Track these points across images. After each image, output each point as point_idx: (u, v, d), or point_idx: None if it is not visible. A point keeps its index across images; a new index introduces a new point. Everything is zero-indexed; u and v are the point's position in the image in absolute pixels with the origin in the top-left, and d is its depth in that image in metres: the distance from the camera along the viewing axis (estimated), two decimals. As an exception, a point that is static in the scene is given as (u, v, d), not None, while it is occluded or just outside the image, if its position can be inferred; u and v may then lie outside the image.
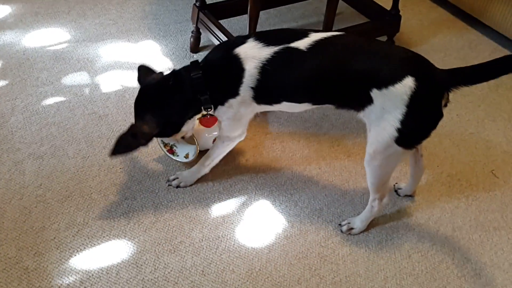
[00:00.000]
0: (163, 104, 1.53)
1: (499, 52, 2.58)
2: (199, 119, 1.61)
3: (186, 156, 1.80)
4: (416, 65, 1.38)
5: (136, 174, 1.80)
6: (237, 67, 1.44)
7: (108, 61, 2.29)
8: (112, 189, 1.74)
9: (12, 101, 2.04)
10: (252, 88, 1.45)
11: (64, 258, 1.52)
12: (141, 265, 1.53)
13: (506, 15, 2.49)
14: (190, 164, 1.82)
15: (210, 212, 1.70)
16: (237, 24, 2.49)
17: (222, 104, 1.52)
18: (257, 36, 1.46)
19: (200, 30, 2.30)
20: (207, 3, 2.26)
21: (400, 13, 2.34)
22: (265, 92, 1.47)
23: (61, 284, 1.46)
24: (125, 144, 1.51)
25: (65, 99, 2.07)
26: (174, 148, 1.81)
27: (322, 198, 1.78)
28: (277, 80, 1.45)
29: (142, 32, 2.48)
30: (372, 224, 1.69)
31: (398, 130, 1.36)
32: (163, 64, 2.29)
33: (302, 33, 1.43)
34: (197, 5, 2.24)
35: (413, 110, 1.34)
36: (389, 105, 1.35)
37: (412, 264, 1.60)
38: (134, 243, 1.58)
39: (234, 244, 1.61)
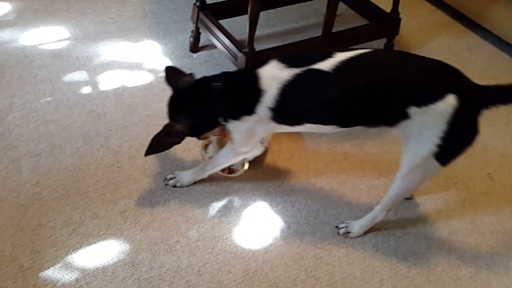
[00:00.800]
0: (192, 108, 1.55)
1: (498, 56, 2.58)
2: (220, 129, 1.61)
3: (243, 165, 1.81)
4: (456, 81, 1.35)
5: (134, 173, 1.80)
6: (256, 86, 1.43)
7: (107, 59, 2.29)
8: (109, 188, 1.74)
9: (10, 98, 2.04)
10: (270, 108, 1.43)
11: (60, 256, 1.52)
12: (137, 264, 1.53)
13: (505, 19, 2.50)
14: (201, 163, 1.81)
15: (206, 212, 1.70)
16: (237, 24, 2.49)
17: (237, 119, 1.51)
18: (281, 58, 1.45)
19: (200, 30, 2.30)
20: (207, 3, 2.26)
21: (400, 16, 2.35)
22: (285, 113, 1.45)
23: (57, 282, 1.46)
24: (161, 142, 1.54)
25: (63, 97, 2.07)
26: (232, 168, 1.82)
27: (319, 199, 1.78)
28: (298, 102, 1.42)
29: (142, 31, 2.48)
30: (368, 226, 1.70)
31: (438, 146, 1.35)
32: (162, 64, 2.29)
33: (326, 54, 1.39)
34: (197, 5, 2.24)
35: (453, 128, 1.32)
36: (429, 121, 1.33)
37: (407, 266, 1.60)
38: (130, 242, 1.58)
39: (230, 245, 1.61)
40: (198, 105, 1.54)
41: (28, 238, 1.56)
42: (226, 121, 1.53)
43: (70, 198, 1.69)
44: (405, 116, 1.35)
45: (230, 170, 1.81)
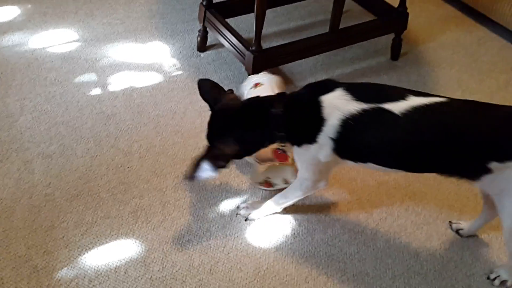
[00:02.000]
0: (244, 131, 1.45)
1: (508, 48, 2.56)
2: (273, 150, 1.56)
3: (286, 182, 1.72)
4: None
5: (144, 173, 1.81)
6: (318, 115, 1.34)
7: (115, 60, 2.30)
8: (120, 188, 1.75)
9: (21, 101, 2.06)
10: (332, 139, 1.34)
11: (73, 256, 1.54)
12: (149, 263, 1.54)
13: (515, 12, 2.47)
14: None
15: (217, 211, 1.70)
16: (244, 23, 2.49)
17: (299, 145, 1.43)
18: (348, 87, 1.35)
19: (207, 29, 2.30)
20: (214, 2, 2.26)
21: (408, 11, 2.33)
22: (348, 147, 1.37)
23: (70, 283, 1.47)
24: (212, 159, 1.43)
25: (73, 98, 2.09)
26: (269, 180, 1.75)
27: (329, 196, 1.77)
28: (362, 139, 1.34)
29: (150, 31, 2.49)
30: (379, 223, 1.69)
31: None
32: (170, 64, 2.30)
33: (399, 95, 1.30)
34: (204, 4, 2.24)
35: None
36: None
37: (420, 263, 1.60)
38: (142, 242, 1.59)
39: (241, 243, 1.61)
40: (252, 128, 1.44)
41: (41, 239, 1.57)
42: (284, 144, 1.47)
43: (82, 199, 1.70)
44: (486, 171, 1.25)
45: (268, 183, 1.75)
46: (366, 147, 1.35)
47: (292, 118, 1.41)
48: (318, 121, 1.35)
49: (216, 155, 1.43)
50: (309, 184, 1.53)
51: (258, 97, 1.52)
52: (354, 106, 1.30)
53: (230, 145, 1.43)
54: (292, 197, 1.61)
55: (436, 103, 1.28)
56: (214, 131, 1.47)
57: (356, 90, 1.34)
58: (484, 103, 1.32)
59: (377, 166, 1.39)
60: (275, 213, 1.69)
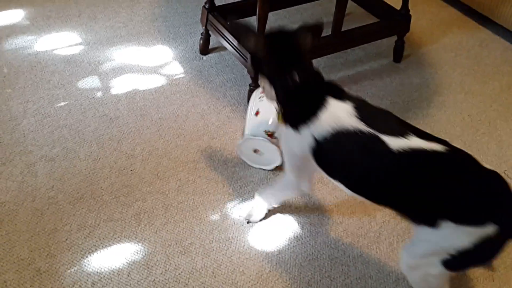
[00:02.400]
0: (270, 51, 1.42)
1: (511, 51, 2.55)
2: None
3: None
4: (505, 210, 1.20)
5: (147, 176, 1.81)
6: (314, 110, 1.33)
7: (118, 64, 2.30)
8: (123, 191, 1.75)
9: (24, 104, 2.06)
10: (314, 139, 1.34)
11: (76, 259, 1.54)
12: (152, 266, 1.54)
13: (518, 14, 2.47)
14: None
15: (219, 214, 1.70)
16: (246, 26, 2.50)
17: (285, 124, 1.42)
18: (359, 105, 1.33)
19: (210, 32, 2.31)
20: (216, 5, 2.26)
21: (410, 13, 2.33)
22: (325, 156, 1.36)
23: (73, 286, 1.47)
24: (239, 30, 1.46)
25: (76, 101, 2.09)
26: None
27: (332, 199, 1.77)
28: (343, 155, 1.33)
29: (152, 34, 2.50)
30: (382, 225, 1.68)
31: (451, 255, 1.23)
32: (173, 67, 2.31)
33: (402, 131, 1.26)
34: (206, 7, 2.25)
35: (477, 250, 1.19)
36: (454, 236, 1.21)
37: (423, 265, 1.59)
38: (145, 245, 1.59)
39: (244, 246, 1.61)
40: (275, 59, 1.41)
41: (44, 242, 1.58)
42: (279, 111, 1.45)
43: (84, 202, 1.70)
44: (433, 224, 1.23)
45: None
46: (343, 163, 1.34)
47: (295, 97, 1.39)
48: (311, 115, 1.34)
49: (248, 34, 1.42)
50: (292, 179, 1.53)
51: (305, 58, 1.43)
52: (354, 124, 1.29)
53: (255, 41, 1.42)
54: (279, 197, 1.64)
55: (433, 150, 1.24)
56: (269, 33, 1.47)
57: (364, 110, 1.33)
58: (478, 165, 1.26)
59: (342, 186, 1.37)
60: (276, 213, 1.68)
